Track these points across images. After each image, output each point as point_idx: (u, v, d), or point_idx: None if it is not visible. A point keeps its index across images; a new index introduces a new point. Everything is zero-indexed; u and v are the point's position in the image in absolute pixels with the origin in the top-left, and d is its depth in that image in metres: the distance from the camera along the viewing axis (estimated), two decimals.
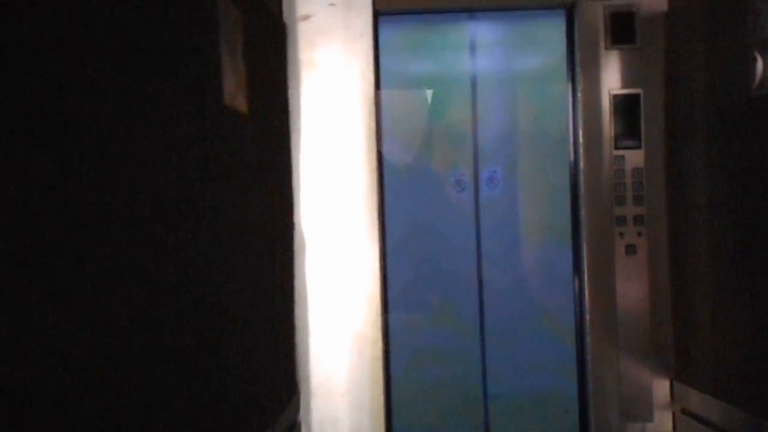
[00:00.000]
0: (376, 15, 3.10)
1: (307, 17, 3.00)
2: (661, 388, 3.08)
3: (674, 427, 3.06)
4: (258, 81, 2.37)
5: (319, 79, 3.00)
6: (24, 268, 0.95)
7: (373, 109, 3.01)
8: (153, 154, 1.38)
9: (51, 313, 1.01)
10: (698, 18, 2.75)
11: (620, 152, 3.07)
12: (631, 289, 3.06)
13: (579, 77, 3.12)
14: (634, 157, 3.06)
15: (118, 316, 1.21)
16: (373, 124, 3.01)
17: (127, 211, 1.26)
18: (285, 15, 2.97)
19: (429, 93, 3.37)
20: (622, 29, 3.07)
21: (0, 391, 0.89)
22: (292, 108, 2.96)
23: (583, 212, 3.12)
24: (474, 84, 3.38)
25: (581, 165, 3.11)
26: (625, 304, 3.06)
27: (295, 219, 2.93)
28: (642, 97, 3.06)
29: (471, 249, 3.38)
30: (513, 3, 3.31)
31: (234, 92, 2.04)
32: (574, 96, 3.20)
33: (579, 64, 3.12)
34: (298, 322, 2.91)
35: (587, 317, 3.11)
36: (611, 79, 3.08)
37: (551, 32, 3.32)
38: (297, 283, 2.91)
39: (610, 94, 3.07)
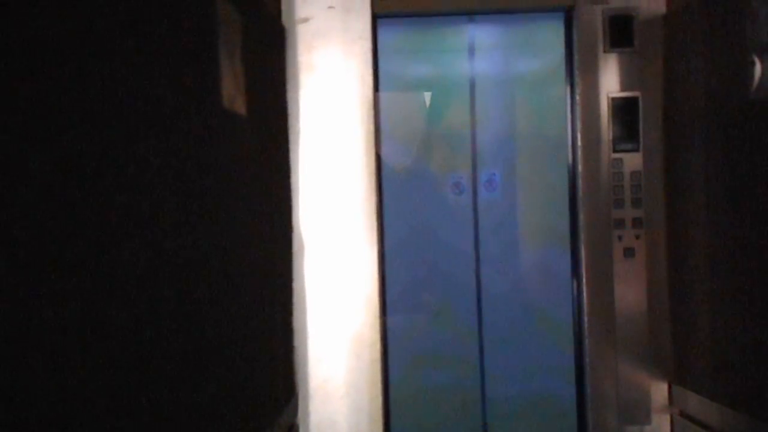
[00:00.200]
0: (375, 18, 3.11)
1: (305, 20, 3.01)
2: (660, 391, 3.08)
3: (672, 430, 3.06)
4: (257, 83, 2.37)
5: (318, 82, 3.00)
6: (24, 268, 0.95)
7: (371, 111, 3.02)
8: (151, 156, 1.38)
9: (49, 315, 1.01)
10: (696, 21, 2.76)
11: (618, 155, 3.07)
12: (630, 292, 3.06)
13: (577, 80, 3.12)
14: (633, 160, 3.06)
15: (113, 318, 1.21)
16: (371, 127, 3.01)
17: (124, 213, 1.26)
18: (284, 18, 2.98)
19: (428, 96, 3.38)
20: (621, 32, 3.08)
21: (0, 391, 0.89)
22: (290, 111, 2.96)
23: (581, 215, 3.12)
24: (473, 87, 3.39)
25: (580, 168, 3.11)
26: (623, 307, 3.06)
27: (294, 221, 2.93)
28: (640, 100, 3.07)
29: (469, 252, 3.38)
30: (512, 6, 3.31)
31: (233, 95, 2.04)
32: (572, 99, 3.21)
33: (577, 67, 3.13)
34: (296, 325, 2.91)
35: (585, 320, 3.11)
36: (610, 82, 3.09)
37: (550, 35, 3.32)
38: (295, 285, 2.91)
39: (608, 97, 3.07)
